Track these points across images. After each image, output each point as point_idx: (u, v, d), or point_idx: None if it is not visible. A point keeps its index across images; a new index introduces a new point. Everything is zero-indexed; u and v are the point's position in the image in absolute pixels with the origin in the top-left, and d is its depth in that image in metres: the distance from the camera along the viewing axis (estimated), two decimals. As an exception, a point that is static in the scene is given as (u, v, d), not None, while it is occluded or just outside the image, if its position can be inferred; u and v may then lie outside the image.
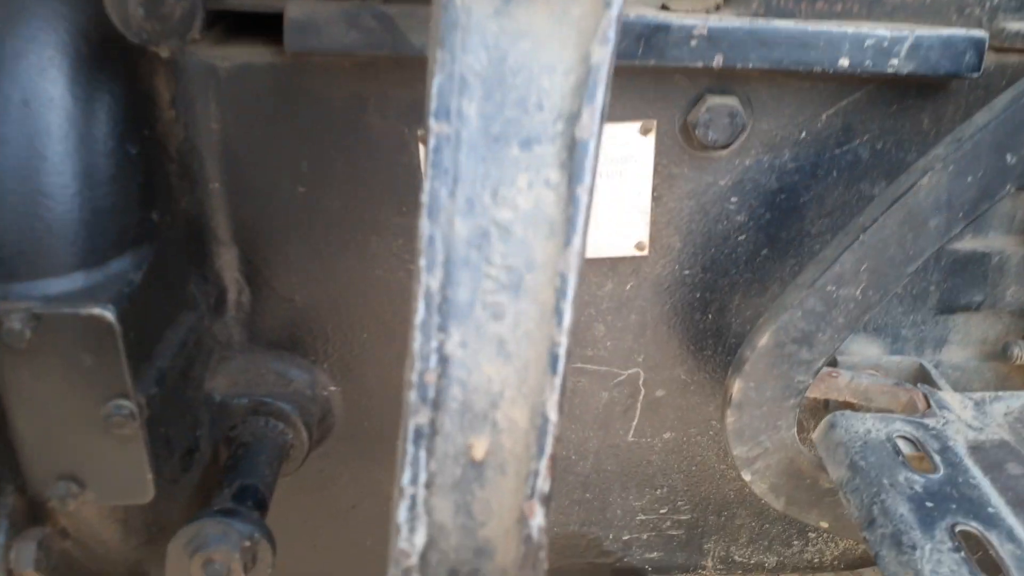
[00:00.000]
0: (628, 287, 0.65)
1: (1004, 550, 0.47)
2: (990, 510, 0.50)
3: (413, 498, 0.31)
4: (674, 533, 0.77)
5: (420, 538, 0.31)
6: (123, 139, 0.50)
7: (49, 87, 0.46)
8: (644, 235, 0.62)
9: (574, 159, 0.30)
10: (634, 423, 0.72)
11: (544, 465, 0.31)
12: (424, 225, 0.30)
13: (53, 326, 0.46)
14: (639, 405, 0.71)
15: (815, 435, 0.58)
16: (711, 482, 0.75)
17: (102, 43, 0.49)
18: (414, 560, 0.31)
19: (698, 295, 0.66)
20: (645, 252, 0.63)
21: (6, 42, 0.47)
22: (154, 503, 0.55)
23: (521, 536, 0.31)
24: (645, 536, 0.78)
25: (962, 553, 0.46)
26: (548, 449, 0.31)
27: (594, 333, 0.68)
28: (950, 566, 0.46)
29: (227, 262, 0.62)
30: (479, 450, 0.31)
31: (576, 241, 0.30)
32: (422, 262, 0.31)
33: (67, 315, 0.46)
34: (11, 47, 0.47)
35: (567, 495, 0.75)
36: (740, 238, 0.63)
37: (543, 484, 0.31)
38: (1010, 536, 0.48)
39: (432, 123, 0.31)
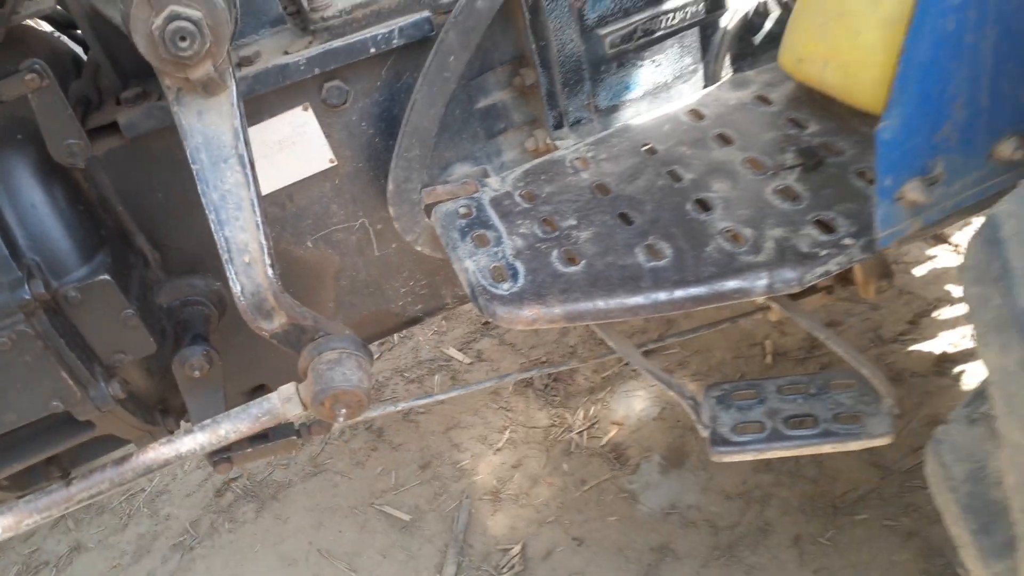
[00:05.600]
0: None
1: (500, 239, 1.22)
2: (492, 224, 1.25)
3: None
4: (423, 293, 1.51)
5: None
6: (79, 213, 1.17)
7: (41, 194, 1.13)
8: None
9: None
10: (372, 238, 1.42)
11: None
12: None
13: (87, 289, 1.14)
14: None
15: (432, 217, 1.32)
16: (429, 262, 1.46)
17: (51, 166, 1.14)
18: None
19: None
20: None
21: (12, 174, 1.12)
22: (153, 360, 1.26)
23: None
24: (413, 297, 1.51)
25: (471, 241, 1.21)
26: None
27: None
28: (467, 248, 1.20)
29: (141, 242, 1.30)
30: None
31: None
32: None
33: (92, 283, 1.14)
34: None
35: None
36: None
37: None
38: (497, 229, 1.23)
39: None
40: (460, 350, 2.59)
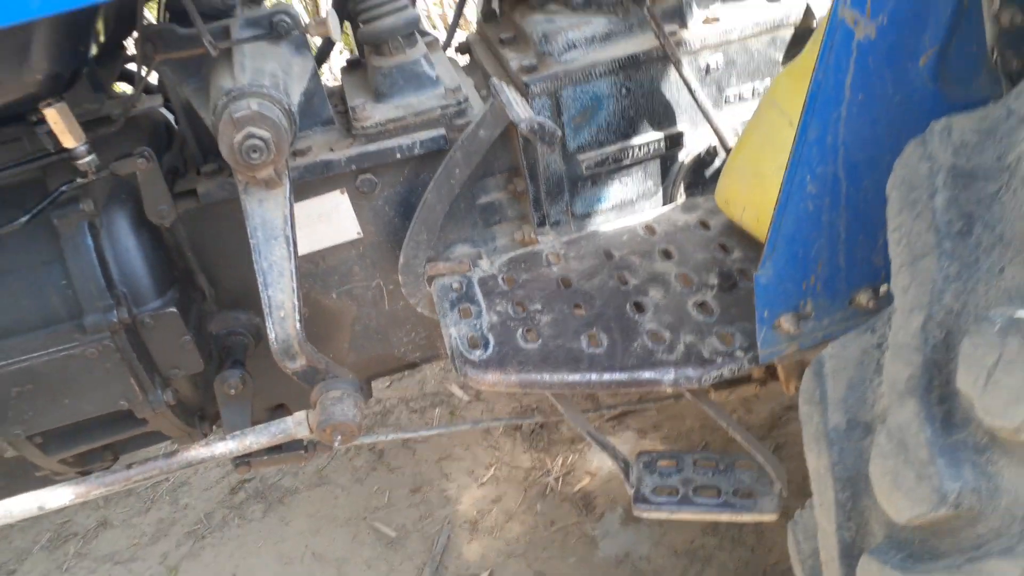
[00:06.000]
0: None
1: (480, 313, 1.56)
2: (477, 300, 1.59)
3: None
4: (422, 343, 1.86)
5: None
6: (159, 257, 1.56)
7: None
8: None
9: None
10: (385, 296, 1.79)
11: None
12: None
13: (158, 318, 1.52)
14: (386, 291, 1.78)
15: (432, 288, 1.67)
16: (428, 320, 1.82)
17: (144, 219, 1.53)
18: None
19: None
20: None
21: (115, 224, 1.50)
22: (199, 376, 1.63)
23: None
24: (413, 346, 1.86)
25: (458, 312, 1.56)
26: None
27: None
28: (454, 317, 1.55)
29: (202, 281, 1.68)
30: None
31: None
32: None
33: (162, 313, 1.52)
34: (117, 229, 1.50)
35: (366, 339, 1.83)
36: None
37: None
38: (479, 305, 1.57)
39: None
40: (461, 387, 2.93)
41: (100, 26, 1.53)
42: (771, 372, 1.82)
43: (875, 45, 1.08)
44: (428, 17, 4.54)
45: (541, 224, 1.71)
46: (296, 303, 1.39)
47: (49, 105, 1.32)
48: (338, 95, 1.76)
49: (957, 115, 0.97)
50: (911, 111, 1.13)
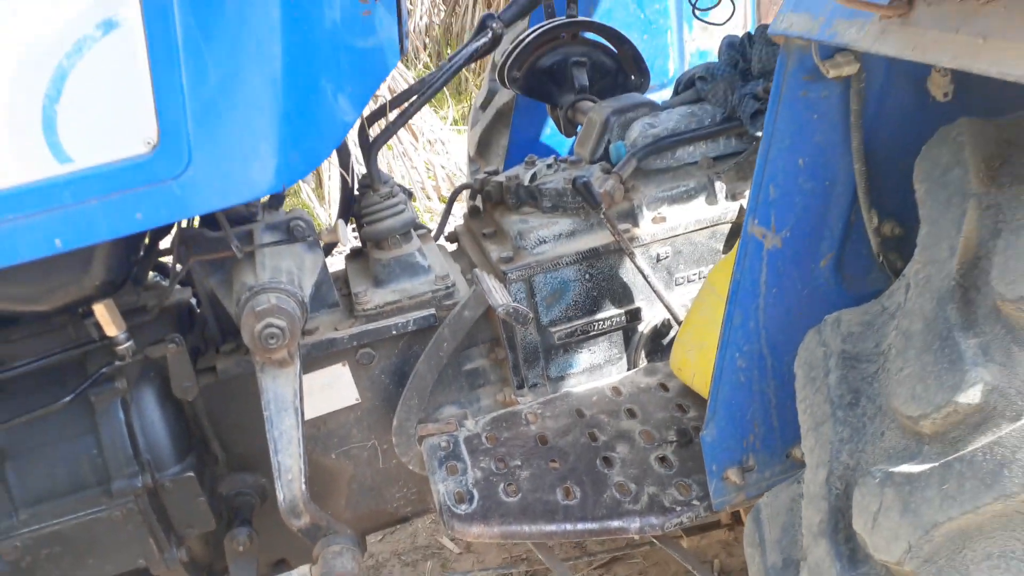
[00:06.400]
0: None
1: (466, 469, 1.77)
2: (463, 457, 1.80)
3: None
4: (413, 499, 2.04)
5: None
6: (180, 427, 1.77)
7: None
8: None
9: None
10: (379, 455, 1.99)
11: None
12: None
13: (177, 482, 1.72)
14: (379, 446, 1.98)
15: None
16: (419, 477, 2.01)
17: (169, 394, 1.76)
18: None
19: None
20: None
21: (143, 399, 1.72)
22: (211, 534, 1.80)
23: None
24: (405, 501, 2.04)
25: (445, 470, 1.76)
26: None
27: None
28: (442, 475, 1.75)
29: (216, 446, 1.88)
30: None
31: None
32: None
33: (181, 477, 1.72)
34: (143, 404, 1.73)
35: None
36: None
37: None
38: (464, 462, 1.78)
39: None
40: (452, 540, 3.06)
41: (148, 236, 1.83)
42: (737, 517, 2.01)
43: (782, 252, 1.37)
44: (423, 189, 5.03)
45: (520, 387, 1.95)
46: (302, 467, 1.60)
47: (99, 302, 1.58)
48: (342, 279, 2.04)
49: (845, 310, 1.24)
50: (818, 301, 1.41)
